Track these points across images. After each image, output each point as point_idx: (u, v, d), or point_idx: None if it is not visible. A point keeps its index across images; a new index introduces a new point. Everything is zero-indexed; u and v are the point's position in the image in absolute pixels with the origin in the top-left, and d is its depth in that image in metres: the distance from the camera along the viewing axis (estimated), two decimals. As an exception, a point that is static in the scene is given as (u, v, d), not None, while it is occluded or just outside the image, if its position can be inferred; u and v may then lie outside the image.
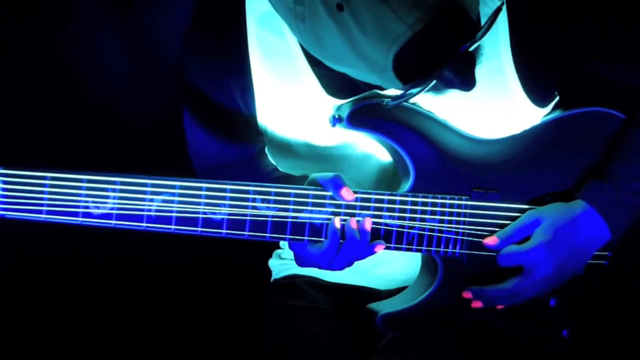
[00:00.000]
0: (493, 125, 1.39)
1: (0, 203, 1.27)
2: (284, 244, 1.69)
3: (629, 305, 1.45)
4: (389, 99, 1.28)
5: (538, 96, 1.39)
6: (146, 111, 2.10)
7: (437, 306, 1.40)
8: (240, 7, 1.38)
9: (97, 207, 1.29)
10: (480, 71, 1.34)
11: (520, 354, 1.43)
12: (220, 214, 1.31)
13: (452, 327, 1.42)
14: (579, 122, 1.40)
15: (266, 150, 1.51)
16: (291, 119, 1.44)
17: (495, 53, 1.35)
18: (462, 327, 1.42)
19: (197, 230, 1.31)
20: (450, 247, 1.37)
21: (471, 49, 1.18)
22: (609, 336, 1.44)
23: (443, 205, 1.36)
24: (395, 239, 1.35)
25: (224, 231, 1.32)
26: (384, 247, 1.33)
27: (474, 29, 1.16)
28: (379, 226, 1.34)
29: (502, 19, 1.34)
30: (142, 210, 1.30)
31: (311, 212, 1.32)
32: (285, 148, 1.47)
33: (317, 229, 1.32)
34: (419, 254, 1.44)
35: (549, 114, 1.42)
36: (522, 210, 1.37)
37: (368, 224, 1.31)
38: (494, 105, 1.38)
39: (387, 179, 1.46)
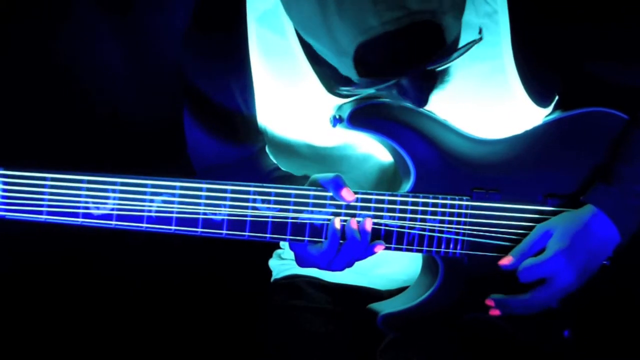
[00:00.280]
0: (494, 125, 1.39)
1: (1, 204, 1.27)
2: (284, 244, 1.69)
3: (630, 305, 1.45)
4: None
5: (539, 96, 1.38)
6: (146, 111, 2.10)
7: (438, 306, 1.40)
8: (241, 6, 1.38)
9: (97, 208, 1.29)
10: (480, 71, 1.34)
11: (520, 354, 1.43)
12: (220, 214, 1.31)
13: (453, 327, 1.42)
14: (581, 122, 1.40)
15: (267, 150, 1.51)
16: (292, 119, 1.43)
17: (497, 52, 1.34)
18: (462, 327, 1.42)
19: (197, 231, 1.31)
20: (451, 247, 1.37)
21: (438, 69, 1.19)
22: (610, 336, 1.44)
23: (444, 205, 1.36)
24: (396, 239, 1.34)
25: (224, 232, 1.32)
26: (383, 247, 1.33)
27: (447, 51, 1.15)
28: (379, 227, 1.34)
29: (504, 18, 1.33)
30: (142, 211, 1.29)
31: (311, 212, 1.32)
32: (285, 148, 1.47)
33: (317, 230, 1.32)
34: (419, 254, 1.43)
35: (550, 114, 1.41)
36: (523, 211, 1.37)
37: (368, 225, 1.31)
38: (495, 105, 1.38)
39: (388, 179, 1.46)
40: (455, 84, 1.35)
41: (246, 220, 1.31)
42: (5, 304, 2.06)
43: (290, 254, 1.58)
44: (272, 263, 1.71)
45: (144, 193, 1.29)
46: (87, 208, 1.28)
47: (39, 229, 1.32)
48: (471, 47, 1.19)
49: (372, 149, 1.44)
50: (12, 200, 1.27)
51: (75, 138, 2.05)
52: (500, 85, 1.36)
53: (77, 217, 1.29)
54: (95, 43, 2.03)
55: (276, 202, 1.31)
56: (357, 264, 1.35)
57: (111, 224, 1.29)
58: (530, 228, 1.36)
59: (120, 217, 1.29)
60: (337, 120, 1.33)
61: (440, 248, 1.37)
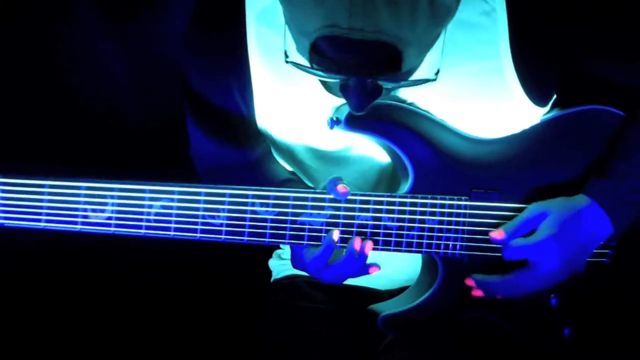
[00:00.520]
0: (492, 125, 1.38)
1: (0, 212, 1.27)
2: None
3: (630, 303, 1.45)
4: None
5: (537, 95, 1.38)
6: (147, 112, 2.10)
7: (438, 307, 1.40)
8: (240, 4, 1.38)
9: (96, 214, 1.29)
10: (477, 70, 1.34)
11: (521, 354, 1.43)
12: (219, 218, 1.31)
13: (453, 327, 1.43)
14: (579, 121, 1.40)
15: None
16: (290, 121, 1.43)
17: (494, 51, 1.34)
18: (462, 327, 1.42)
19: (195, 236, 1.32)
20: (450, 247, 1.37)
21: (386, 87, 1.20)
22: (610, 335, 1.44)
23: (442, 205, 1.36)
24: (395, 241, 1.35)
25: (222, 236, 1.32)
26: (379, 269, 1.34)
27: (395, 78, 1.17)
28: (378, 229, 1.34)
29: (501, 16, 1.33)
30: (141, 215, 1.30)
31: (310, 215, 1.32)
32: (284, 150, 1.47)
33: (316, 235, 1.32)
34: (419, 255, 1.44)
35: (548, 112, 1.41)
36: (522, 210, 1.37)
37: (368, 249, 1.32)
38: (492, 104, 1.38)
39: (387, 180, 1.46)
40: (453, 83, 1.34)
41: (245, 225, 1.31)
42: (5, 305, 2.06)
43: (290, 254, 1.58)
44: (272, 263, 1.71)
45: (142, 198, 1.29)
46: (86, 214, 1.29)
47: (37, 232, 1.32)
48: (420, 84, 1.20)
49: (371, 151, 1.44)
50: (11, 208, 1.27)
51: (76, 139, 2.04)
52: (498, 85, 1.36)
53: (76, 224, 1.29)
54: (95, 44, 2.03)
55: (275, 205, 1.31)
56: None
57: (110, 230, 1.30)
58: None
59: (118, 223, 1.29)
60: (334, 122, 1.33)
61: (440, 248, 1.37)
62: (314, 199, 1.32)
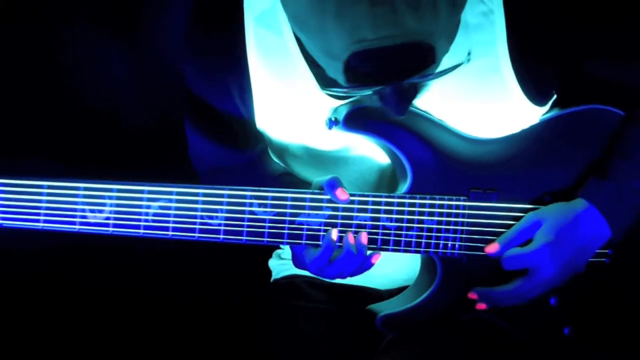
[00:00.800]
0: (491, 125, 1.38)
1: (-2, 213, 1.28)
2: (283, 244, 1.69)
3: (629, 303, 1.45)
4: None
5: (536, 95, 1.38)
6: (148, 112, 2.10)
7: (437, 307, 1.40)
8: (239, 6, 1.38)
9: (94, 215, 1.29)
10: (476, 70, 1.34)
11: (520, 354, 1.43)
12: (217, 218, 1.31)
13: (452, 327, 1.43)
14: (578, 120, 1.40)
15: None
16: (289, 122, 1.43)
17: (492, 51, 1.34)
18: (462, 327, 1.42)
19: (194, 237, 1.32)
20: (449, 247, 1.37)
21: (423, 83, 1.21)
22: (610, 334, 1.44)
23: (441, 205, 1.36)
24: (394, 241, 1.34)
25: (221, 236, 1.32)
26: (380, 256, 1.34)
27: (431, 69, 1.16)
28: (377, 230, 1.34)
29: (499, 17, 1.33)
30: (139, 216, 1.30)
31: (308, 215, 1.32)
32: (283, 151, 1.47)
33: (314, 235, 1.32)
34: (418, 254, 1.43)
35: (547, 112, 1.41)
36: (521, 210, 1.37)
37: (364, 238, 1.32)
38: (491, 104, 1.38)
39: (386, 181, 1.46)
40: (451, 84, 1.34)
41: (243, 225, 1.31)
42: (5, 305, 2.07)
43: (290, 254, 1.58)
44: (272, 263, 1.71)
45: (141, 199, 1.30)
46: (84, 215, 1.29)
47: (36, 233, 1.32)
48: (452, 71, 1.20)
49: (369, 151, 1.43)
50: (9, 209, 1.28)
51: (75, 139, 2.05)
52: (497, 84, 1.36)
53: (74, 224, 1.29)
54: (95, 44, 2.03)
55: (273, 206, 1.32)
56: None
57: (108, 231, 1.30)
58: None
59: (117, 224, 1.29)
60: (333, 123, 1.33)
61: (438, 248, 1.37)
62: (312, 200, 1.32)
